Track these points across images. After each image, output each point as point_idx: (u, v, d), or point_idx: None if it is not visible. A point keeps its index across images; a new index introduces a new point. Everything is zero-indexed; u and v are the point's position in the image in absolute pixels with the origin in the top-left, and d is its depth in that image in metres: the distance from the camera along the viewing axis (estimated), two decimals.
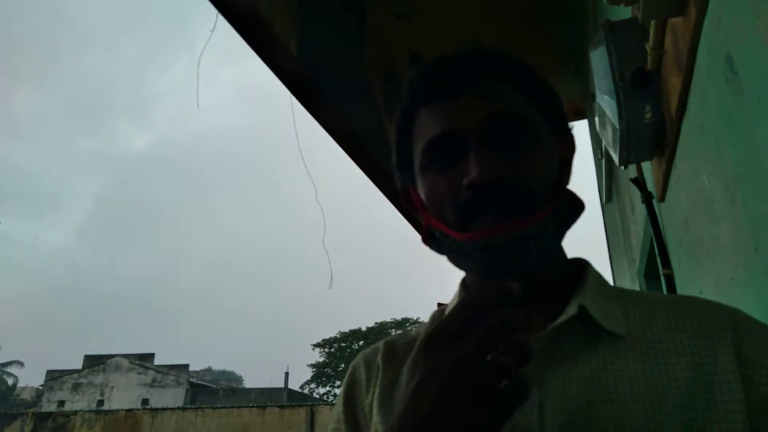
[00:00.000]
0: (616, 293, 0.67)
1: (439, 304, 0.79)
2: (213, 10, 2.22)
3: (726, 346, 0.57)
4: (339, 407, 0.72)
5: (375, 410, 0.67)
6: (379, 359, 0.72)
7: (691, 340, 0.59)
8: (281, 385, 34.20)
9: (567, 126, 0.71)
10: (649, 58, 1.51)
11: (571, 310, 0.61)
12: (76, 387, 31.52)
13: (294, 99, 2.82)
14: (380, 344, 0.76)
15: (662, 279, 2.05)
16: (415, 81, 0.68)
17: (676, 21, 1.30)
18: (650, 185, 2.11)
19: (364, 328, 41.35)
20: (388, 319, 41.11)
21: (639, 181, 2.12)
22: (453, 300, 0.72)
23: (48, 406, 30.07)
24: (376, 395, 0.68)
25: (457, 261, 0.67)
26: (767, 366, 0.56)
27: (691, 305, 0.63)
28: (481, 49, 0.68)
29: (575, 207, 0.67)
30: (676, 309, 0.63)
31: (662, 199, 1.95)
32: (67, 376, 31.94)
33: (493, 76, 0.65)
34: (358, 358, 0.76)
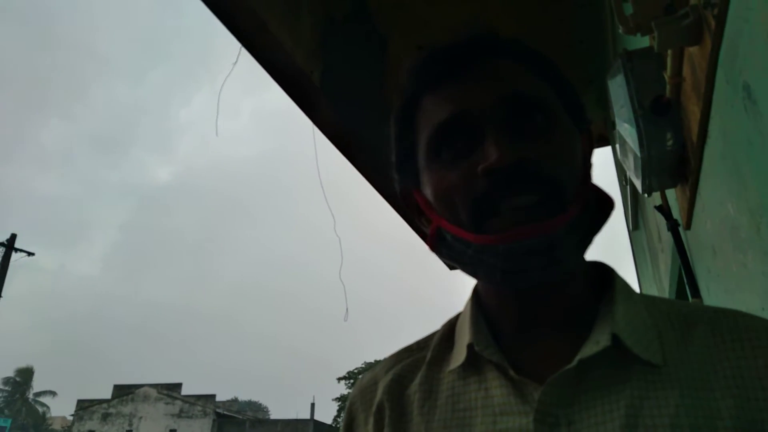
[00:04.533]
0: (646, 306, 0.59)
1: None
2: (235, 42, 2.29)
3: None
4: None
5: None
6: (381, 395, 0.64)
7: (735, 370, 0.53)
8: (307, 415, 33.92)
9: (586, 115, 0.63)
10: (668, 87, 1.50)
11: (603, 340, 0.54)
12: (105, 417, 31.74)
13: (316, 129, 2.88)
14: (379, 373, 0.68)
15: None
16: (418, 65, 0.61)
17: (692, 50, 1.30)
18: (675, 213, 2.07)
19: None
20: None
21: (664, 209, 2.08)
22: (465, 310, 0.65)
23: None
24: None
25: (472, 270, 0.58)
26: None
27: (734, 325, 0.56)
28: (489, 31, 0.62)
29: (604, 206, 0.58)
30: (716, 328, 0.56)
31: (688, 226, 1.91)
32: (97, 406, 32.22)
33: (503, 56, 0.59)
34: (355, 392, 0.69)
